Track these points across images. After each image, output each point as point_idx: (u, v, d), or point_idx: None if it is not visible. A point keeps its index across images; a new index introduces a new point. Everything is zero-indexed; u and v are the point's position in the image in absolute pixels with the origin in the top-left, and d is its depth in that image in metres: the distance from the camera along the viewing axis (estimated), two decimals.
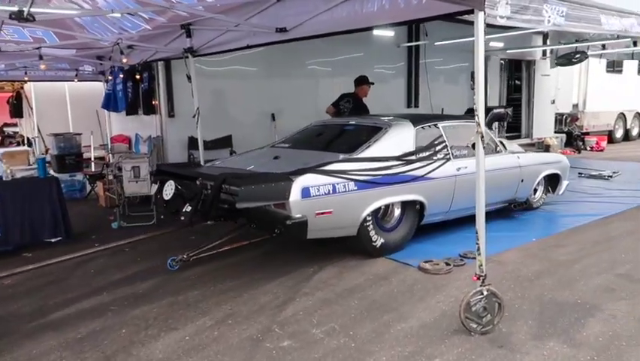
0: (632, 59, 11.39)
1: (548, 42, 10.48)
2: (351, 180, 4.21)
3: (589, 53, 9.90)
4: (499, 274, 4.14)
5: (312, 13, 4.06)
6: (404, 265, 4.46)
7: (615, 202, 6.91)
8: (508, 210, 6.17)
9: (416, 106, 10.39)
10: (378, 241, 4.58)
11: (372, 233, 4.51)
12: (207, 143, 6.73)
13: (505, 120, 9.44)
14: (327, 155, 4.65)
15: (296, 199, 3.90)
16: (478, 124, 3.20)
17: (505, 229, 5.66)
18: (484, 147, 3.36)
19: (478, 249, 3.34)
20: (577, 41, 8.67)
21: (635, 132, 15.95)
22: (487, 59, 10.36)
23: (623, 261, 4.48)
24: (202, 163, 5.62)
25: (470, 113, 9.21)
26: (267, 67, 8.25)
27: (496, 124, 10.04)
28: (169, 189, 4.09)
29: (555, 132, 12.77)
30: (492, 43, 10.31)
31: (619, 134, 15.28)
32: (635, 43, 8.74)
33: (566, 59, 10.05)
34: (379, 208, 4.57)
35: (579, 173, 9.06)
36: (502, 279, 4.08)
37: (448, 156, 5.07)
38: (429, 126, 5.14)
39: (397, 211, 4.83)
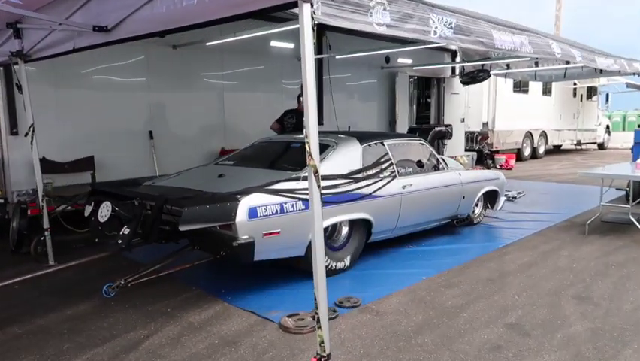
0: (535, 80, 11.71)
1: (457, 59, 10.54)
2: (299, 199, 4.12)
3: (493, 72, 10.12)
4: (373, 331, 3.52)
5: (132, 8, 3.51)
6: (264, 320, 3.71)
7: (516, 227, 6.64)
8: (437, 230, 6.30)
9: (320, 124, 9.43)
10: (329, 261, 4.51)
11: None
12: (64, 165, 5.97)
13: (447, 138, 9.75)
14: (273, 173, 4.54)
15: (242, 220, 3.76)
16: (310, 155, 2.75)
17: (395, 266, 5.04)
18: (318, 184, 2.94)
19: (318, 321, 2.70)
20: (483, 59, 8.89)
21: (541, 150, 16.54)
22: (394, 75, 10.39)
23: (514, 305, 3.97)
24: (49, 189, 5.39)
25: (412, 132, 9.55)
26: (149, 78, 7.03)
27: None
28: (105, 211, 3.81)
29: (466, 150, 12.69)
30: (400, 60, 10.17)
31: (527, 152, 15.80)
32: (536, 63, 9.06)
33: (470, 77, 10.19)
34: (327, 227, 4.52)
35: None
36: (376, 338, 3.42)
37: (394, 174, 5.11)
38: (375, 144, 5.17)
39: (345, 230, 4.80)
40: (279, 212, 3.98)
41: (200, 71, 7.57)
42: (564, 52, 5.78)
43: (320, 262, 2.78)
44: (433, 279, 4.62)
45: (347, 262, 4.73)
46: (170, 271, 4.28)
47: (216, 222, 3.69)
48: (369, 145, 5.09)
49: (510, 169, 13.26)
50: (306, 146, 2.70)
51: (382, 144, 5.25)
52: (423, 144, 5.87)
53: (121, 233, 3.72)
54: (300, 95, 6.93)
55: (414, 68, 10.60)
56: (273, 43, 8.10)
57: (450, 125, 10.02)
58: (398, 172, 5.18)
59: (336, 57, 8.56)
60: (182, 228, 3.49)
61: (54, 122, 6.01)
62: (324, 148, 4.86)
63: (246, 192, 3.92)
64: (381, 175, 4.96)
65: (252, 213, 3.82)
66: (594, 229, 6.36)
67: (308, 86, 2.62)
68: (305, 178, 4.33)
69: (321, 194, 4.30)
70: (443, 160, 6.20)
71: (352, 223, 4.79)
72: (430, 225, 5.87)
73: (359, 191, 4.63)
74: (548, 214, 7.42)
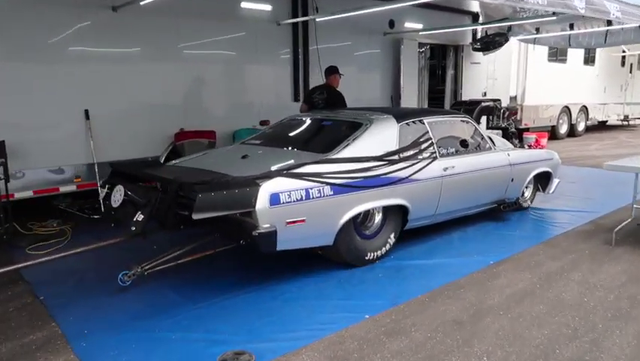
0: (570, 46, 10.01)
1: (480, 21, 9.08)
2: (327, 183, 3.75)
3: (519, 37, 8.86)
4: None
5: None
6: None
7: (520, 232, 5.28)
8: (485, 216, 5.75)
9: (296, 100, 7.81)
10: (360, 250, 4.15)
11: (350, 242, 4.07)
12: None
13: (495, 114, 8.99)
14: (301, 154, 4.18)
15: (263, 207, 3.43)
16: None
17: (342, 296, 3.71)
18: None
19: None
20: (502, 19, 7.70)
21: (580, 127, 14.46)
22: (398, 43, 8.99)
23: None
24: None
25: (457, 106, 8.86)
26: (89, 44, 5.65)
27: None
28: (117, 195, 3.57)
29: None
30: (408, 24, 8.71)
31: (563, 129, 13.72)
32: (571, 26, 7.60)
33: (484, 43, 8.89)
34: (359, 214, 4.14)
35: None
36: None
37: (434, 155, 4.64)
38: (414, 122, 4.69)
39: (378, 217, 4.40)
40: (303, 198, 3.62)
41: (151, 39, 6.16)
42: (592, 6, 4.67)
43: None
44: (382, 316, 3.31)
45: (382, 251, 4.34)
46: (191, 258, 4.03)
47: (234, 209, 3.38)
48: (408, 123, 4.62)
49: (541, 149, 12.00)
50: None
51: (422, 121, 4.76)
52: (467, 122, 5.33)
53: (134, 219, 3.48)
54: (330, 69, 6.52)
55: (425, 33, 9.22)
56: (245, 5, 6.92)
57: (499, 99, 9.15)
58: (439, 153, 4.71)
59: (322, 19, 7.16)
60: (195, 216, 3.19)
61: None
62: (356, 127, 4.45)
63: (268, 176, 3.58)
64: (419, 157, 4.50)
65: (274, 199, 3.48)
66: (624, 238, 4.88)
67: None
68: (334, 161, 3.97)
69: (351, 178, 3.94)
70: (490, 139, 5.64)
71: (386, 210, 4.39)
72: (473, 210, 5.37)
73: (394, 174, 4.20)
74: (568, 212, 5.95)
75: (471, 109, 8.06)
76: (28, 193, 5.22)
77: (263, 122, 6.44)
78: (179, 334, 3.10)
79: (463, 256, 4.50)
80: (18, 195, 5.13)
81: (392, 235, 4.42)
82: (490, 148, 5.38)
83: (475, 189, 5.09)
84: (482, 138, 5.38)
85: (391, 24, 8.68)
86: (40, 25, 5.33)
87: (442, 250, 4.68)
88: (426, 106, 9.88)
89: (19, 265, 3.48)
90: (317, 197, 3.69)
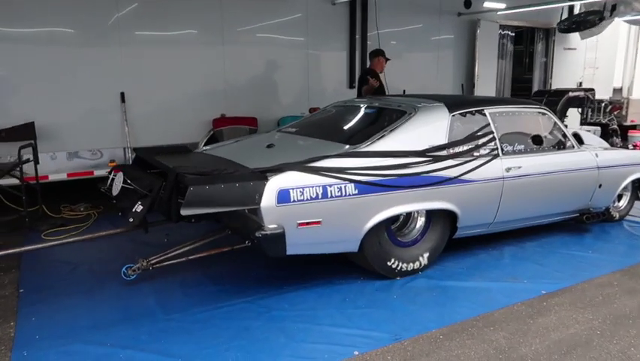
0: None
1: None
2: (351, 181, 3.18)
3: (624, 18, 7.11)
4: None
5: None
6: None
7: (598, 254, 4.16)
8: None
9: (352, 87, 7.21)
10: (393, 259, 3.54)
11: (380, 249, 3.48)
12: (0, 132, 5.01)
13: (587, 106, 7.68)
14: (329, 145, 3.64)
15: (269, 205, 2.96)
16: None
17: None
18: None
19: None
20: None
21: None
22: (475, 25, 7.93)
23: None
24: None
25: (539, 96, 7.71)
26: (129, 28, 5.51)
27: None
28: (117, 183, 3.30)
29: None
30: (487, 3, 7.63)
31: None
32: None
33: (573, 23, 7.29)
34: (396, 217, 3.55)
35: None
36: None
37: (495, 152, 3.88)
38: (471, 112, 3.95)
39: (420, 222, 3.75)
40: (320, 196, 3.09)
41: (194, 21, 5.89)
42: None
43: None
44: (369, 359, 2.63)
45: (423, 260, 3.69)
46: (203, 254, 3.67)
47: (233, 206, 2.93)
48: (463, 114, 3.89)
49: None
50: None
51: (482, 112, 4.00)
52: (544, 114, 4.44)
53: (133, 210, 3.16)
54: (373, 52, 5.93)
55: (507, 13, 7.98)
56: None
57: (592, 89, 7.76)
58: (502, 150, 3.93)
59: None
60: (184, 212, 2.80)
61: None
62: (398, 115, 3.81)
63: (280, 169, 3.10)
64: (475, 153, 3.77)
65: (283, 196, 2.99)
66: None
67: None
68: (362, 154, 3.39)
69: (381, 175, 3.33)
70: (575, 136, 4.70)
71: (430, 214, 3.72)
72: (545, 220, 4.49)
73: (439, 173, 3.52)
74: None
75: (555, 100, 6.91)
76: (62, 176, 5.20)
77: (313, 110, 5.96)
78: (129, 351, 2.67)
79: (508, 281, 3.61)
80: (52, 178, 5.13)
81: (436, 244, 3.75)
82: (573, 147, 4.45)
83: (548, 194, 4.23)
84: (563, 134, 4.47)
85: (467, 3, 7.71)
86: (80, 10, 5.28)
87: (483, 270, 3.81)
88: (508, 96, 8.77)
89: (8, 251, 3.24)
90: (337, 196, 3.15)
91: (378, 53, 6.00)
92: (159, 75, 5.73)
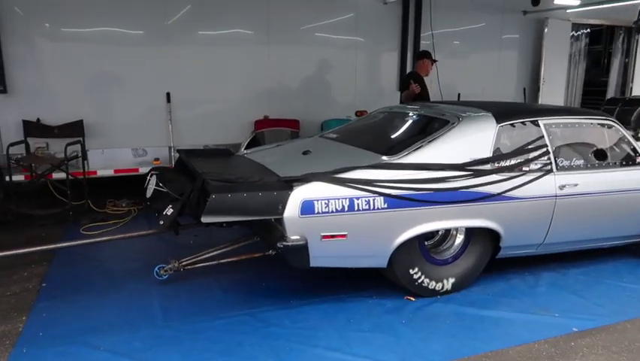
0: None
1: None
2: (380, 194, 3.03)
3: None
4: None
5: None
6: None
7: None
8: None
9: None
10: (422, 277, 3.35)
11: (411, 267, 3.30)
12: (53, 129, 5.26)
13: None
14: (366, 155, 3.50)
15: (292, 215, 2.88)
16: None
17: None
18: None
19: None
20: None
21: None
22: (542, 24, 7.33)
23: None
24: None
25: (611, 105, 7.02)
26: (177, 29, 5.61)
27: None
28: (151, 185, 3.37)
29: None
30: (557, 0, 6.97)
31: None
32: None
33: None
34: (431, 234, 3.36)
35: None
36: None
37: (548, 168, 3.56)
38: (523, 123, 3.64)
39: (459, 240, 3.52)
40: (346, 209, 2.97)
41: (239, 21, 5.89)
42: None
43: None
44: None
45: (447, 284, 3.44)
46: (234, 258, 3.68)
47: (256, 215, 2.88)
48: (512, 124, 3.59)
49: None
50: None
51: (536, 123, 3.68)
52: (611, 126, 4.02)
53: (164, 213, 3.21)
54: (419, 54, 5.67)
55: (581, 10, 7.34)
56: None
57: None
58: (557, 165, 3.60)
59: None
60: (204, 219, 2.79)
61: (51, 81, 5.30)
62: (440, 125, 3.60)
63: (306, 179, 3.01)
64: (525, 168, 3.48)
65: (307, 207, 2.90)
66: None
67: None
68: (395, 166, 3.23)
69: (413, 189, 3.15)
70: None
71: (470, 232, 3.48)
72: (605, 243, 4.08)
73: (480, 189, 3.27)
74: None
75: (630, 110, 6.26)
76: (109, 172, 5.41)
77: (360, 113, 5.81)
78: (118, 358, 2.65)
79: (537, 313, 3.21)
80: (100, 173, 5.35)
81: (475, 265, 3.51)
82: None
83: (608, 215, 3.83)
84: (633, 148, 4.03)
85: (535, 1, 7.13)
86: (129, 11, 5.46)
87: (511, 297, 3.42)
88: (578, 102, 8.09)
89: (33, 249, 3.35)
90: (364, 209, 3.01)
91: (424, 55, 5.74)
92: (204, 75, 5.81)
